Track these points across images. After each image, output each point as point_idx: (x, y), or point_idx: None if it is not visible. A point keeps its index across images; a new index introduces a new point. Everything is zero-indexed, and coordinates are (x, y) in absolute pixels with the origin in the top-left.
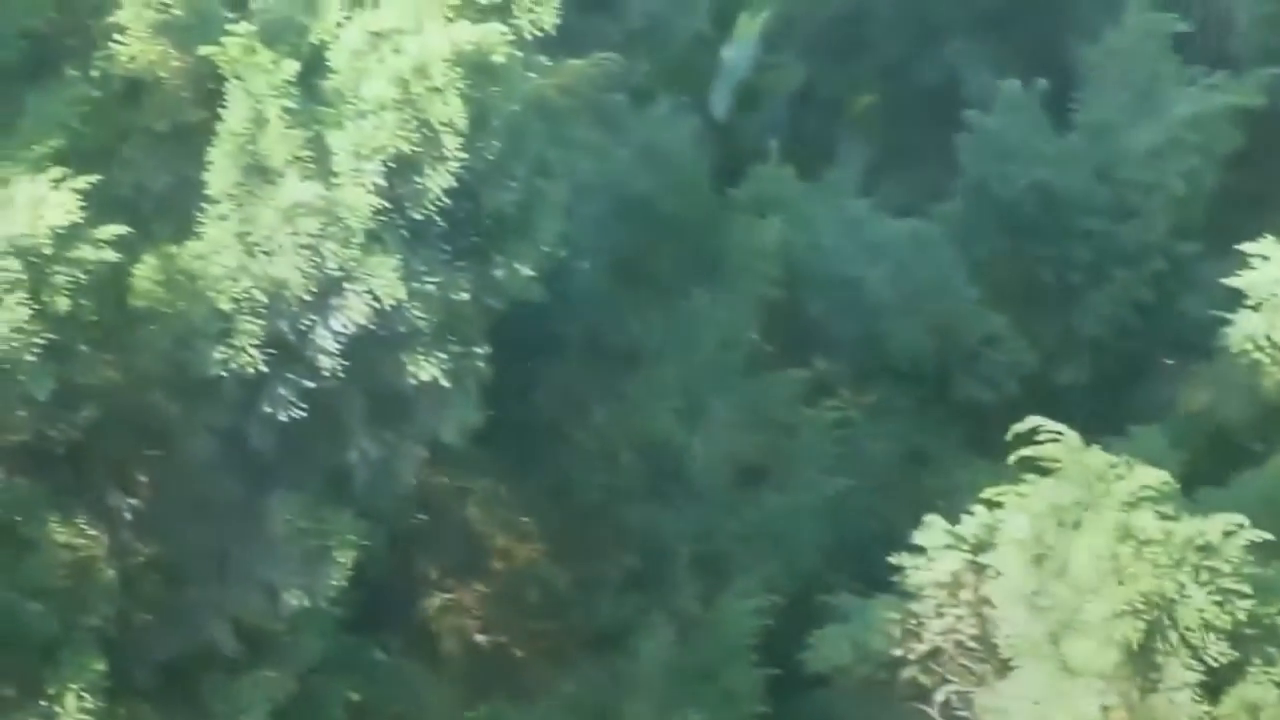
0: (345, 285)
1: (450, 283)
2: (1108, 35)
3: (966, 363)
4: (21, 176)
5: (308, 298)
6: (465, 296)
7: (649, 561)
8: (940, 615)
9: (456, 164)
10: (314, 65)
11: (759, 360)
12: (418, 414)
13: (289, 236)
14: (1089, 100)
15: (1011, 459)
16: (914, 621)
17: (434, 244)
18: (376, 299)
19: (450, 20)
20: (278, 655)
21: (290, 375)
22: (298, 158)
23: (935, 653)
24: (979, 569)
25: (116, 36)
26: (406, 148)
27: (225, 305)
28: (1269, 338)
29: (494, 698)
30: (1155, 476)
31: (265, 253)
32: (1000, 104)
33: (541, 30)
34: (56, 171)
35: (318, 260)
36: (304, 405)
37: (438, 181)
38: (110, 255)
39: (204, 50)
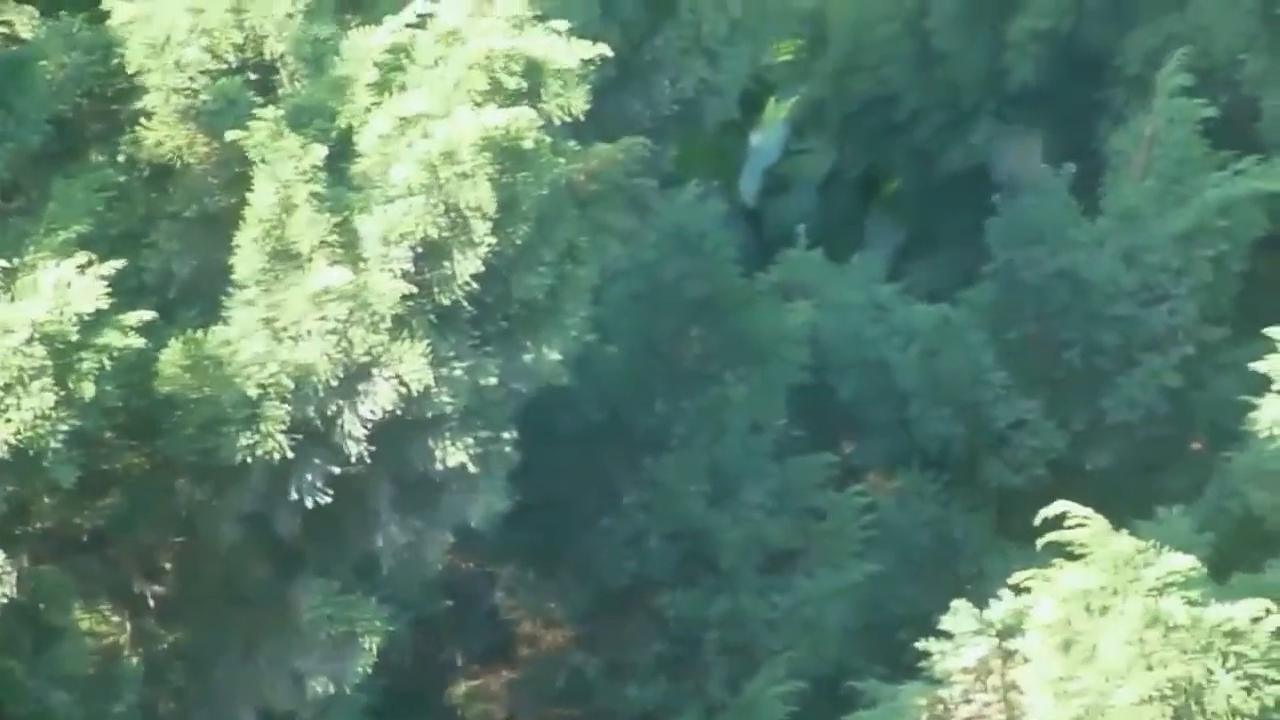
0: (373, 371)
1: (478, 368)
2: (1136, 120)
3: (995, 447)
4: (47, 262)
5: (335, 383)
6: (493, 381)
7: (677, 647)
8: (968, 701)
9: (485, 249)
10: (342, 150)
11: (788, 444)
12: (445, 499)
13: (317, 322)
14: (1117, 185)
15: (1040, 544)
16: (941, 707)
17: (462, 329)
18: (404, 384)
19: (479, 105)
20: None
21: (317, 461)
22: (325, 243)
23: None
24: (1007, 654)
25: (143, 122)
26: (435, 233)
27: (252, 391)
28: None
29: None
30: (1183, 562)
31: (292, 338)
32: (1028, 188)
33: (571, 115)
34: (82, 257)
35: (345, 345)
36: (331, 491)
37: (466, 266)
38: (136, 341)
39: (231, 135)
